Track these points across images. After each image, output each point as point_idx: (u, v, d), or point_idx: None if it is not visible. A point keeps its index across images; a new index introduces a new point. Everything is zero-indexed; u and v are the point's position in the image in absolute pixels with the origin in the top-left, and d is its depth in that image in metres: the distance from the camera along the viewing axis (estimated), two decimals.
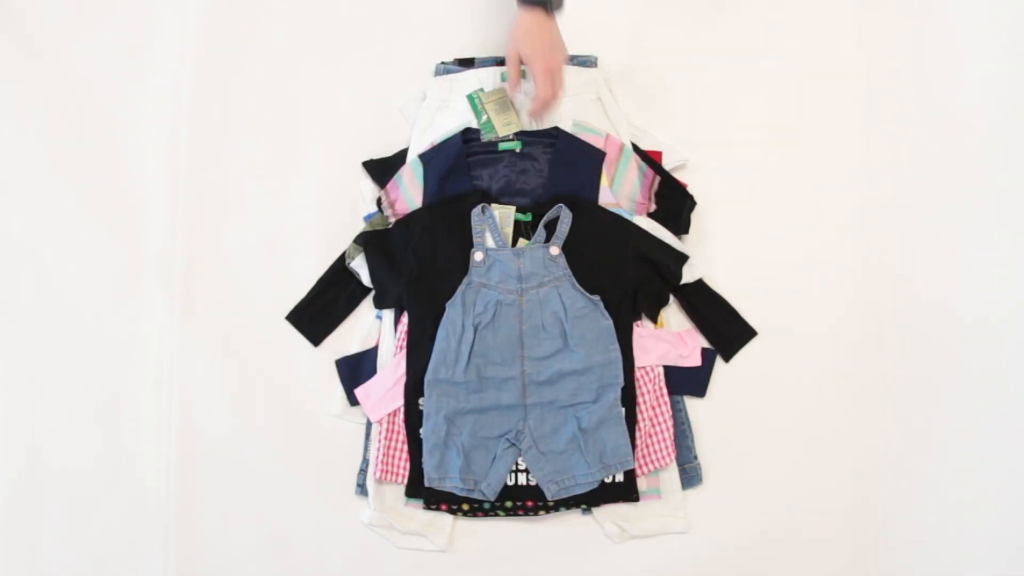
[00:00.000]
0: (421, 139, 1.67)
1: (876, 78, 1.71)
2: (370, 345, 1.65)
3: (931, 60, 1.72)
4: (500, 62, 1.69)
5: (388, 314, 1.64)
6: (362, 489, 1.61)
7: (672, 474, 1.60)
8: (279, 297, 1.67)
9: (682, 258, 1.62)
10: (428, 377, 1.58)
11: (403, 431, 1.60)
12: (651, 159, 1.67)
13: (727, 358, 1.65)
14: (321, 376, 1.65)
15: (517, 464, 1.57)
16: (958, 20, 1.72)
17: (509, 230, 1.62)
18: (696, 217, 1.66)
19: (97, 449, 1.64)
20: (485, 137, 1.65)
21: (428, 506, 1.58)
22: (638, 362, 1.61)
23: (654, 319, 1.64)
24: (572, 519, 1.61)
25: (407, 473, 1.59)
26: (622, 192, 1.64)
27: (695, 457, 1.62)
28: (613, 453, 1.56)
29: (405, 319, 1.62)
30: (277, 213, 1.69)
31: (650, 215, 1.64)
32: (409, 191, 1.65)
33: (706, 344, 1.65)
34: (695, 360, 1.63)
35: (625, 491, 1.58)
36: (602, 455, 1.57)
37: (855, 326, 1.65)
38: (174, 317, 1.67)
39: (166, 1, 1.74)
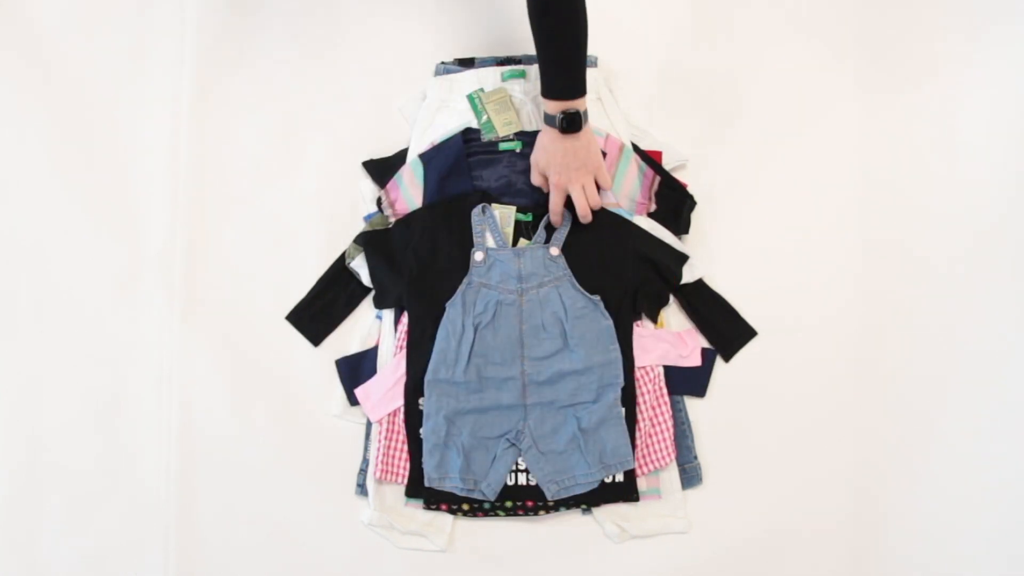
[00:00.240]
0: (421, 139, 1.67)
1: (876, 78, 1.71)
2: (370, 345, 1.65)
3: (931, 60, 1.72)
4: (500, 62, 1.69)
5: (388, 314, 1.64)
6: (362, 489, 1.61)
7: (672, 474, 1.60)
8: (279, 297, 1.67)
9: (682, 258, 1.62)
10: (428, 377, 1.58)
11: (403, 431, 1.60)
12: (651, 159, 1.67)
13: (727, 358, 1.65)
14: (321, 376, 1.65)
15: (517, 464, 1.57)
16: (958, 20, 1.72)
17: (509, 230, 1.62)
18: (696, 217, 1.66)
19: (97, 449, 1.64)
20: (485, 137, 1.65)
21: (428, 506, 1.58)
22: (638, 362, 1.61)
23: (654, 319, 1.64)
24: (572, 519, 1.61)
25: (407, 473, 1.59)
26: (622, 192, 1.64)
27: (695, 457, 1.61)
28: (613, 453, 1.56)
29: (405, 319, 1.62)
30: (277, 213, 1.69)
31: (650, 215, 1.64)
32: (409, 191, 1.65)
33: (706, 344, 1.65)
34: (695, 360, 1.63)
35: (625, 491, 1.58)
36: (602, 455, 1.57)
37: (855, 326, 1.65)
38: (174, 317, 1.67)
39: (166, 1, 1.74)
